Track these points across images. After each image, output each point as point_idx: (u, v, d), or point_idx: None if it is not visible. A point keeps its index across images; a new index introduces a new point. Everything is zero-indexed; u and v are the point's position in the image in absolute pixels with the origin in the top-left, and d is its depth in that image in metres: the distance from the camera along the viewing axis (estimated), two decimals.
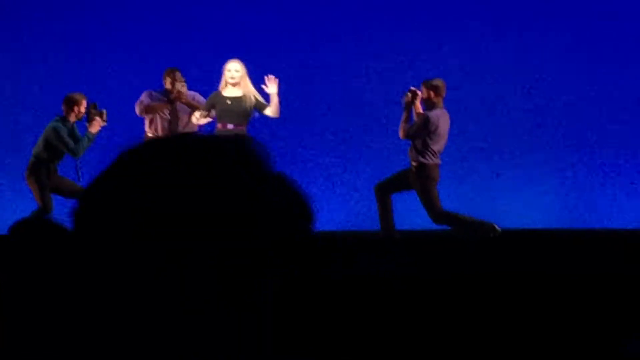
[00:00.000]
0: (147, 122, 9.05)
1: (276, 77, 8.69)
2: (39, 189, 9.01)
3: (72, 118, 9.06)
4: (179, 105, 8.96)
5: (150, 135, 9.02)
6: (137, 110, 8.99)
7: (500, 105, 10.90)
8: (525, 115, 10.90)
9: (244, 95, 8.62)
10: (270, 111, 8.67)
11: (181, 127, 9.00)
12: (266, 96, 8.72)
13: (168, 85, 8.97)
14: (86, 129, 9.08)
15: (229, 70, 8.66)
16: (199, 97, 9.04)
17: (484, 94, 10.87)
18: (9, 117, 10.82)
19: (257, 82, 8.83)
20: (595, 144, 10.84)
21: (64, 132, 8.98)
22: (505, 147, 10.88)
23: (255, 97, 8.64)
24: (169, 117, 8.99)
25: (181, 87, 8.89)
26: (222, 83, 8.71)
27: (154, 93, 9.04)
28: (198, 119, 8.79)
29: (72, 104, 9.04)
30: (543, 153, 10.88)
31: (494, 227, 8.63)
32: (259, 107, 8.66)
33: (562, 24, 10.88)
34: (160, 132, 8.99)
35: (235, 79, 8.62)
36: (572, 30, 10.88)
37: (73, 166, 9.17)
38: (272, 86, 8.64)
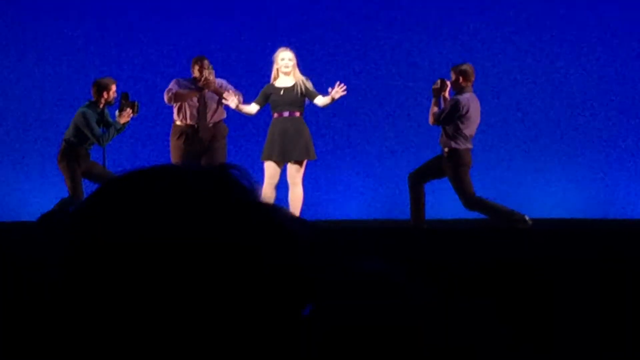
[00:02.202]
0: (175, 110, 9.05)
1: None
2: (69, 175, 9.00)
3: (102, 103, 9.06)
4: (207, 92, 8.95)
5: (178, 123, 9.03)
6: (166, 98, 8.98)
7: (531, 95, 10.84)
8: (557, 106, 10.83)
9: (295, 84, 8.66)
10: (321, 102, 8.69)
11: (210, 115, 9.00)
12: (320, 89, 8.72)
13: (196, 73, 8.96)
14: (116, 117, 9.09)
15: (283, 59, 8.67)
16: (227, 85, 9.03)
17: (515, 85, 10.82)
18: (41, 102, 10.87)
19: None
20: (626, 136, 10.76)
21: (92, 118, 8.98)
22: (536, 138, 10.82)
23: (304, 84, 8.68)
24: (197, 104, 8.98)
25: (209, 74, 8.88)
26: (274, 72, 8.72)
27: (182, 81, 9.03)
28: (236, 105, 8.79)
29: (101, 88, 9.04)
30: (573, 145, 10.81)
31: (525, 219, 8.57)
32: (309, 96, 8.69)
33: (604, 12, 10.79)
34: (189, 120, 8.99)
35: (289, 68, 8.66)
36: (612, 24, 10.79)
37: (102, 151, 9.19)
38: (337, 93, 8.61)
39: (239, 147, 9.87)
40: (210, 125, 8.99)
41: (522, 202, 9.67)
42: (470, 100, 8.74)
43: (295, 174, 8.65)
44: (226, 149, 9.05)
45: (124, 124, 9.08)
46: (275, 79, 8.73)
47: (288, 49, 8.75)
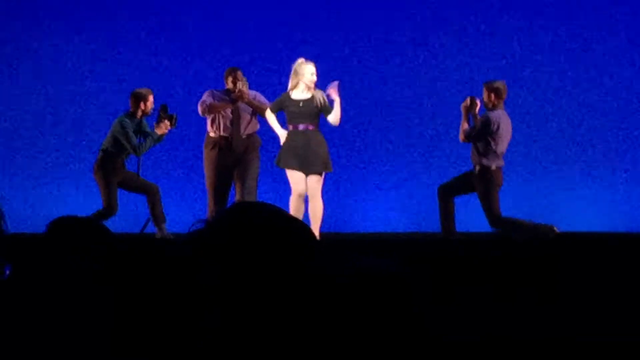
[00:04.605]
0: (209, 122, 9.14)
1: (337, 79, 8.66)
2: (105, 185, 9.03)
3: (139, 113, 9.15)
4: (240, 104, 9.04)
5: (212, 134, 9.12)
6: (200, 110, 9.07)
7: (564, 106, 10.83)
8: (587, 115, 10.80)
9: (314, 97, 8.59)
10: (332, 118, 8.61)
11: (243, 126, 9.08)
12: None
13: (229, 85, 9.06)
14: (154, 128, 9.16)
15: (313, 74, 8.56)
16: (260, 97, 9.11)
17: (544, 95, 10.82)
18: (77, 113, 11.01)
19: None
20: None
21: (129, 128, 9.05)
22: (567, 149, 10.80)
23: (323, 98, 8.59)
24: (231, 116, 9.07)
25: (242, 86, 8.97)
26: (294, 83, 8.59)
27: (216, 92, 9.12)
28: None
29: (138, 99, 9.13)
30: (605, 154, 10.78)
31: (552, 228, 8.57)
32: (325, 111, 8.61)
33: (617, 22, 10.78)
34: (222, 132, 9.08)
35: (314, 82, 8.57)
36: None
37: (137, 161, 9.27)
38: (333, 93, 8.58)
39: (272, 159, 9.95)
40: (244, 137, 9.07)
41: (552, 215, 9.65)
42: (502, 117, 8.71)
43: (315, 185, 8.52)
44: (259, 160, 9.12)
45: (161, 135, 9.16)
46: (292, 89, 8.67)
47: (312, 63, 8.63)
